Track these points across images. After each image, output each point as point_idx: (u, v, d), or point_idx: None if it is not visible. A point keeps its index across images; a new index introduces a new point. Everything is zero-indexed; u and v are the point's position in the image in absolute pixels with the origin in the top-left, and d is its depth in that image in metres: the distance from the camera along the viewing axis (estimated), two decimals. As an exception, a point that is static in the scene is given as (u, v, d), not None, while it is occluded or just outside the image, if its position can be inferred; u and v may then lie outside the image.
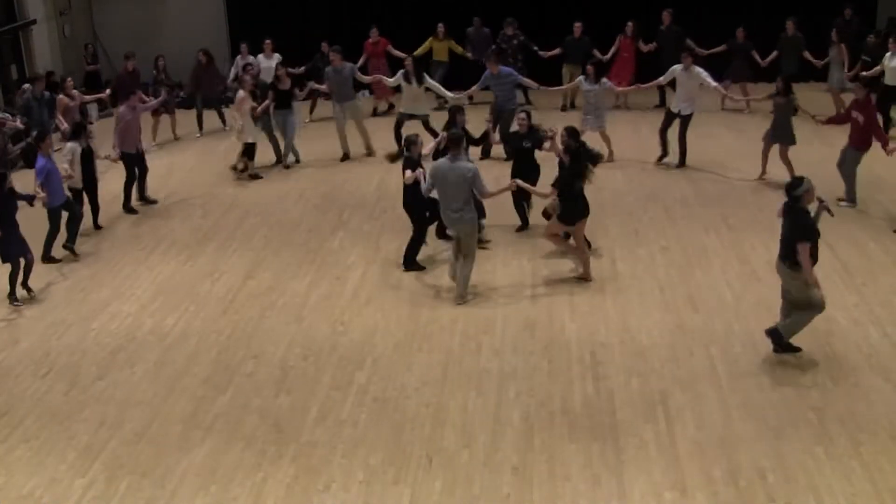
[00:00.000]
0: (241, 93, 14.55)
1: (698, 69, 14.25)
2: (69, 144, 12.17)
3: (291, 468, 7.44)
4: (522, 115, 11.80)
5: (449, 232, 10.79)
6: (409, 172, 10.58)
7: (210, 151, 16.12)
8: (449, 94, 15.56)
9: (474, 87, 15.54)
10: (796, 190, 8.49)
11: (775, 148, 13.37)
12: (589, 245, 10.95)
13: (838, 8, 17.99)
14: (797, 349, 8.79)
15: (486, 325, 9.65)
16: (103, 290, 10.94)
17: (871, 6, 19.25)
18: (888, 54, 15.28)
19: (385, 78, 15.93)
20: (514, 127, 12.55)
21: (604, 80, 14.44)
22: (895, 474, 7.10)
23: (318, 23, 19.37)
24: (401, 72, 15.15)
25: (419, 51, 17.47)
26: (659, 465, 7.30)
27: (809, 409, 7.97)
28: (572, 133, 10.72)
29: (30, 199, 10.86)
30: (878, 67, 15.64)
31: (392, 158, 11.43)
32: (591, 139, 13.88)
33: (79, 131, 12.26)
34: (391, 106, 18.07)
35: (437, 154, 11.13)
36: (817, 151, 13.43)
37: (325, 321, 9.91)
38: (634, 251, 11.38)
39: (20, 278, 10.64)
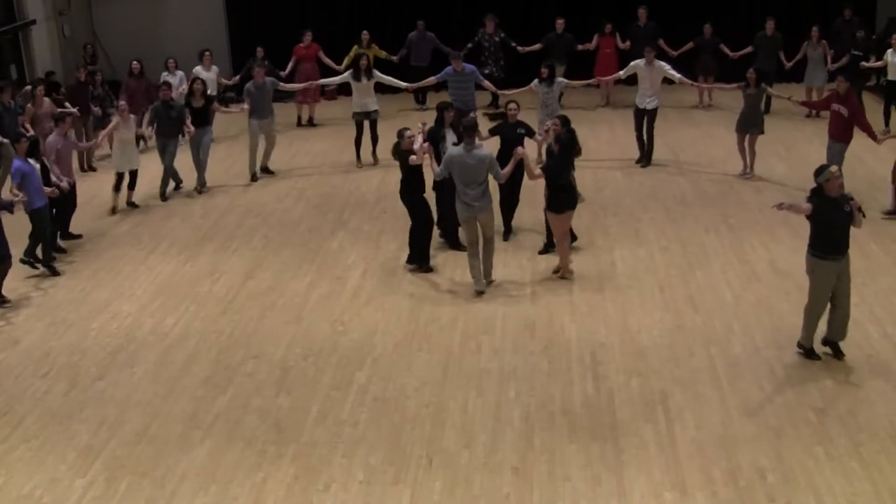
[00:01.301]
0: (114, 118, 13.47)
1: (661, 63, 14.37)
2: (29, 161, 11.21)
3: (291, 468, 7.44)
4: (513, 104, 11.78)
5: (460, 228, 10.97)
6: (413, 157, 10.60)
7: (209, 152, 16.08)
8: (402, 84, 15.54)
9: (431, 79, 15.29)
10: (818, 177, 8.43)
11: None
12: (574, 238, 10.99)
13: (827, 9, 18.04)
14: (816, 357, 8.73)
15: (486, 325, 9.65)
16: (103, 290, 10.95)
17: (871, 6, 19.25)
18: (890, 51, 15.27)
19: (331, 79, 15.60)
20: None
21: (559, 79, 14.28)
22: (895, 474, 7.10)
23: (319, 23, 19.34)
24: (349, 71, 15.01)
25: (346, 61, 17.11)
26: (659, 465, 7.30)
27: (809, 409, 7.96)
28: (564, 122, 10.81)
29: (8, 207, 10.60)
30: (879, 62, 15.66)
31: (396, 154, 11.34)
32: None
33: (33, 148, 11.49)
34: (311, 120, 17.76)
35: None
36: (818, 151, 13.41)
37: (325, 321, 9.91)
38: (634, 251, 11.38)
39: None
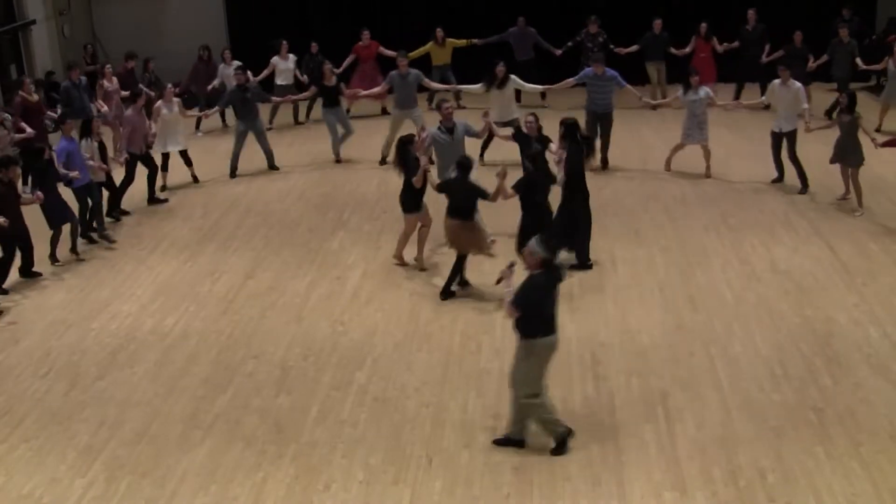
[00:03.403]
0: (159, 102, 14.20)
1: (797, 84, 13.29)
2: (83, 142, 12.31)
3: (291, 468, 7.44)
4: (531, 118, 11.58)
5: None
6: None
7: (210, 151, 16.09)
8: (540, 87, 15.16)
9: (569, 80, 14.91)
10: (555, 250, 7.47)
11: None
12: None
13: (826, 8, 18.03)
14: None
15: (486, 325, 9.64)
16: (103, 290, 10.95)
17: (871, 6, 19.23)
18: None
19: (467, 86, 15.14)
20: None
21: (705, 88, 13.69)
22: (895, 474, 7.10)
23: (318, 21, 19.36)
24: (486, 78, 14.55)
25: (415, 54, 17.16)
26: (659, 465, 7.30)
27: (809, 409, 7.97)
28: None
29: (66, 179, 11.60)
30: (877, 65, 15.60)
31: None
32: (692, 151, 13.87)
33: (88, 128, 12.39)
34: (384, 110, 17.86)
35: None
36: (819, 151, 13.39)
37: (325, 321, 9.91)
38: (634, 251, 11.37)
39: (68, 243, 11.72)
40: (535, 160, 10.25)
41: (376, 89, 15.58)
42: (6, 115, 14.11)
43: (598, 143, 13.70)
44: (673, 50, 17.57)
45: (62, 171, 11.61)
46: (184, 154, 14.41)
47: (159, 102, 14.20)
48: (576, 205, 10.66)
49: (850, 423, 7.74)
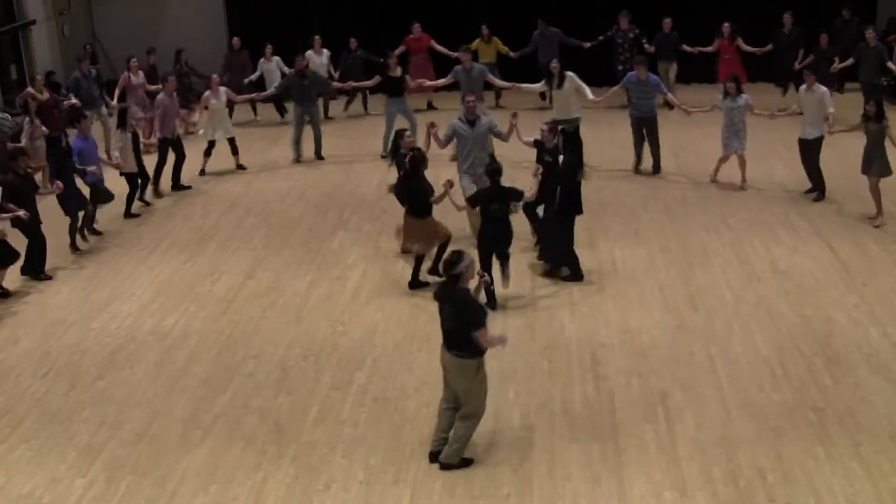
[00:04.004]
0: (207, 93, 14.95)
1: (823, 89, 12.88)
2: (117, 132, 12.91)
3: (291, 468, 7.44)
4: (545, 126, 11.19)
5: None
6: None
7: (217, 148, 16.05)
8: (590, 96, 14.50)
9: (615, 88, 14.78)
10: (455, 268, 7.15)
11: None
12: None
13: (825, 8, 17.98)
14: (469, 461, 7.41)
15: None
16: (103, 290, 10.95)
17: (871, 6, 19.22)
18: None
19: (529, 84, 14.76)
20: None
21: (745, 95, 13.17)
22: (895, 474, 7.10)
23: (318, 21, 19.36)
24: (545, 77, 14.37)
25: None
26: (659, 465, 7.30)
27: (809, 409, 7.97)
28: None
29: (82, 173, 12.04)
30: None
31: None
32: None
33: (123, 120, 12.91)
34: (430, 103, 17.93)
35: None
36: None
37: (325, 321, 9.92)
38: (634, 251, 11.38)
39: (80, 228, 12.07)
40: (493, 176, 10.02)
41: (441, 80, 15.52)
42: (6, 115, 14.18)
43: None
44: (685, 47, 17.44)
45: (79, 167, 12.01)
46: (231, 142, 14.95)
47: (207, 93, 14.83)
48: (569, 217, 10.53)
49: (850, 423, 7.74)
